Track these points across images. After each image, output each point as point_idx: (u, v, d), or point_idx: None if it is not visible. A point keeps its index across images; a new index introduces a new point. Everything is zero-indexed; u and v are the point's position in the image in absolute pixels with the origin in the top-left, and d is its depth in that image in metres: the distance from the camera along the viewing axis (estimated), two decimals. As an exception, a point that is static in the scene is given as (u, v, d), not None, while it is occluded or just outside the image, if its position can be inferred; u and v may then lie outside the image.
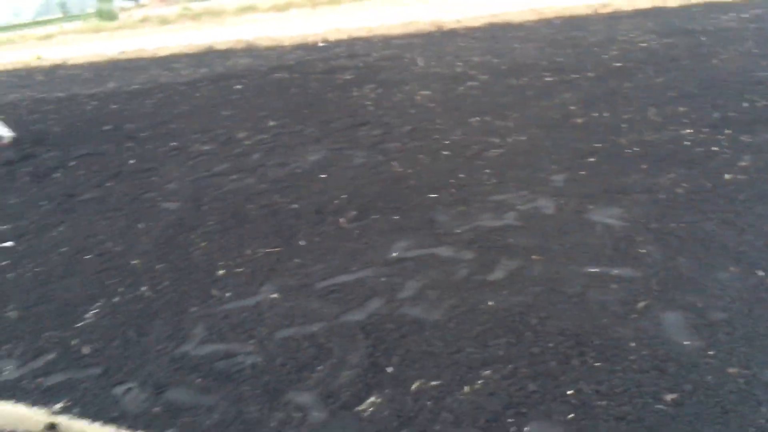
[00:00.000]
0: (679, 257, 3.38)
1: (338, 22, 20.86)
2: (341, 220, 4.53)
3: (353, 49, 14.60)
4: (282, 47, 17.47)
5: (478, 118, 6.72)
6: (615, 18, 12.55)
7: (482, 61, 10.04)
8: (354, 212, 4.62)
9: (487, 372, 2.68)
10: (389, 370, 2.79)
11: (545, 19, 14.12)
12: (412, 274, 3.60)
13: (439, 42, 13.29)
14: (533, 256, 3.59)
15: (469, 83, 8.58)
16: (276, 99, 9.56)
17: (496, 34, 13.13)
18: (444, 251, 3.84)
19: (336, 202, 4.90)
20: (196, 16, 35.65)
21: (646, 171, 4.64)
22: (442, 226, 4.20)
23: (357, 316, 3.26)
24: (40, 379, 3.15)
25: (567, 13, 14.19)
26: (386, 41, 15.08)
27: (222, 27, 30.66)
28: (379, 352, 2.93)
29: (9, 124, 8.93)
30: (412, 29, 16.15)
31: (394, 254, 3.88)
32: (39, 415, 2.84)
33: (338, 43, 16.46)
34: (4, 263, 4.67)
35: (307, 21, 25.69)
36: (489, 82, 8.46)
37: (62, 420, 2.78)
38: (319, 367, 2.89)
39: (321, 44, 16.86)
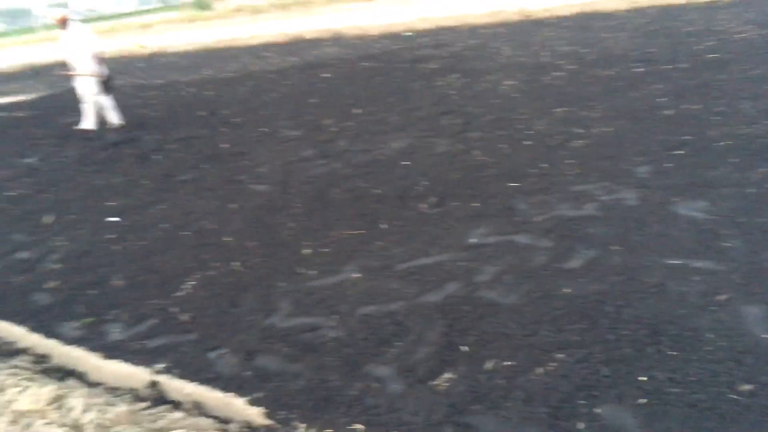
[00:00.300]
0: (765, 252, 3.32)
1: (425, 11, 20.87)
2: (422, 205, 4.67)
3: (439, 38, 14.64)
4: (369, 36, 17.70)
5: (562, 109, 6.68)
6: (712, 8, 12.03)
7: (569, 51, 9.90)
8: (435, 198, 4.75)
9: (561, 355, 2.75)
10: (464, 348, 2.91)
11: (639, 8, 13.69)
12: (489, 260, 3.69)
13: (526, 31, 13.15)
14: (612, 246, 3.61)
15: (555, 73, 8.50)
16: (362, 87, 9.77)
17: (585, 23, 12.86)
18: (522, 239, 3.91)
19: (418, 188, 5.03)
20: (285, 6, 36.44)
21: (736, 165, 4.52)
22: (521, 214, 4.26)
23: (434, 297, 3.38)
24: (143, 342, 3.45)
25: (662, 2, 13.70)
26: (472, 30, 15.03)
27: (311, 17, 31.24)
28: (454, 331, 3.05)
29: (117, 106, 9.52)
30: (499, 18, 16.01)
31: (473, 240, 3.98)
32: (142, 374, 3.12)
33: (424, 33, 16.52)
34: (111, 236, 5.07)
35: (394, 10, 25.79)
36: (575, 73, 8.35)
37: (163, 379, 3.05)
38: (397, 343, 3.04)
39: (407, 34, 16.97)
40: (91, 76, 8.72)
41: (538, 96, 7.42)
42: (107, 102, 9.07)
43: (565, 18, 14.24)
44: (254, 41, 21.17)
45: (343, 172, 5.77)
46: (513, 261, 3.63)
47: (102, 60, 8.86)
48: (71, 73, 8.91)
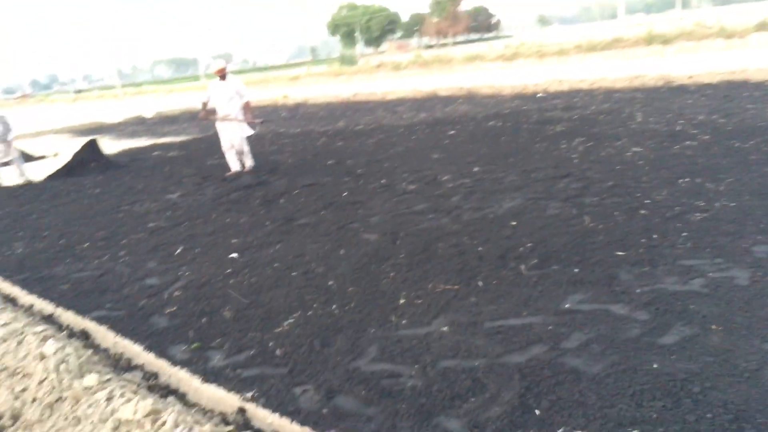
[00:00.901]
0: None
1: (562, 73, 20.81)
2: (522, 266, 4.67)
3: (571, 100, 14.54)
4: (501, 96, 17.89)
5: (687, 179, 6.44)
6: None
7: (706, 120, 9.51)
8: (535, 260, 4.73)
9: (635, 431, 2.66)
10: (537, 412, 2.89)
11: (791, 78, 12.91)
12: (580, 327, 3.63)
13: (664, 97, 12.77)
14: (712, 326, 3.44)
15: (687, 142, 8.20)
16: (485, 146, 9.90)
17: (729, 92, 12.29)
18: (618, 309, 3.81)
19: (520, 249, 5.04)
20: (426, 64, 37.59)
21: None
22: (623, 283, 4.16)
23: (517, 358, 3.38)
24: (239, 371, 3.71)
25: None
26: (608, 94, 14.80)
27: (449, 74, 32.00)
28: (531, 394, 3.03)
29: (254, 154, 10.28)
30: (637, 83, 15.66)
31: (567, 305, 3.94)
32: (232, 400, 3.35)
33: (557, 95, 16.47)
34: (228, 271, 5.48)
35: (531, 71, 25.91)
36: (709, 143, 8.01)
37: (250, 407, 3.26)
38: (472, 399, 3.07)
39: (540, 95, 16.98)
40: (238, 123, 9.52)
41: (664, 165, 7.19)
42: (246, 148, 9.83)
43: (709, 86, 13.69)
44: (390, 96, 22.02)
45: (451, 227, 5.88)
46: (604, 330, 3.56)
47: (248, 110, 9.68)
48: (218, 118, 9.74)
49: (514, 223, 5.76)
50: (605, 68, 21.45)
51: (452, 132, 11.85)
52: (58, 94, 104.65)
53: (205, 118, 10.07)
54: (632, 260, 4.53)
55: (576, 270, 4.48)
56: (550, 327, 3.68)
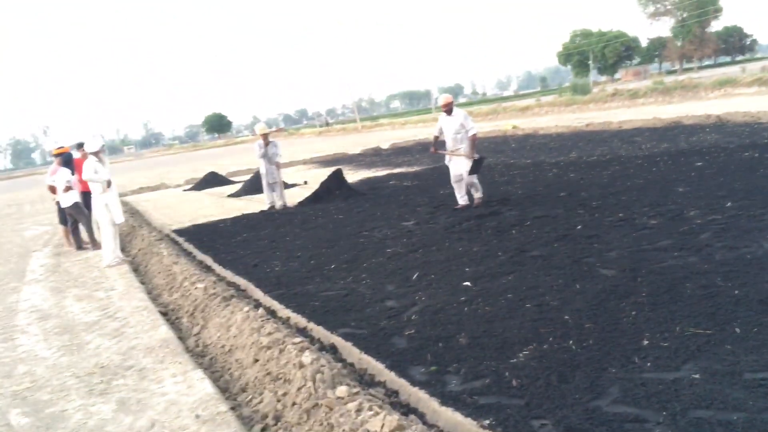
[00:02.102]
0: None
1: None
2: (789, 314, 4.16)
3: None
4: (758, 124, 16.19)
5: None
6: None
7: None
8: (807, 309, 4.19)
9: None
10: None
11: None
12: None
13: None
14: None
15: None
16: (739, 179, 9.02)
17: None
18: None
19: (787, 295, 4.50)
20: (667, 90, 35.28)
21: None
22: None
23: (786, 417, 3.02)
24: (475, 397, 3.78)
25: None
26: None
27: (694, 101, 29.70)
28: (805, 460, 2.69)
29: (483, 184, 10.42)
30: None
31: None
32: (471, 426, 3.42)
33: (830, 121, 14.46)
34: (462, 299, 5.61)
35: (794, 95, 23.09)
36: None
37: (487, 434, 3.31)
38: (730, 457, 2.80)
39: (807, 122, 15.03)
40: (466, 157, 9.70)
41: None
42: (475, 180, 9.95)
43: None
44: (626, 126, 21.02)
45: (701, 267, 5.44)
46: None
47: (473, 144, 9.76)
48: (447, 152, 10.02)
49: (778, 265, 5.16)
50: None
51: (699, 163, 10.96)
52: (306, 128, 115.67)
53: (435, 152, 10.45)
54: None
55: None
56: (826, 386, 3.24)
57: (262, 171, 13.33)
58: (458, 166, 9.83)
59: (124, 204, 15.86)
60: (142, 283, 8.68)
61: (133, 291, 8.16)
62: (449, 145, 9.90)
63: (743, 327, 4.11)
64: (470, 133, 9.69)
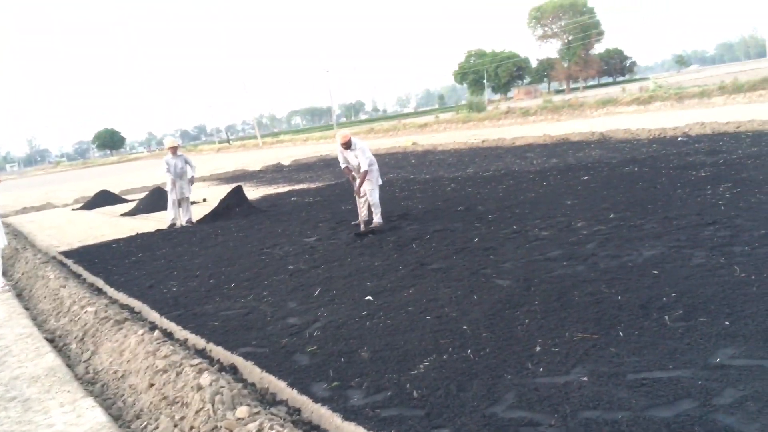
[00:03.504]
0: None
1: (704, 116, 19.83)
2: (666, 317, 4.47)
3: (716, 144, 13.83)
4: (637, 140, 17.32)
5: None
6: None
7: None
8: (680, 311, 4.52)
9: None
10: (688, 471, 2.74)
11: None
12: (733, 383, 3.42)
13: (821, 139, 11.82)
14: None
15: None
16: (621, 192, 9.61)
17: None
18: (777, 365, 3.55)
19: (664, 299, 4.83)
20: (556, 109, 37.12)
21: None
22: (781, 339, 3.87)
23: (665, 412, 3.23)
24: (377, 410, 3.80)
25: None
26: (756, 137, 13.96)
27: (580, 119, 31.39)
28: (681, 452, 2.89)
29: (383, 200, 10.49)
30: (791, 124, 14.63)
31: (717, 359, 3.72)
32: (373, 438, 3.44)
33: (700, 138, 15.74)
34: (364, 313, 5.65)
35: (669, 115, 24.92)
36: None
37: (389, 446, 3.34)
38: (615, 453, 2.96)
39: (680, 138, 16.27)
40: (367, 180, 9.52)
41: (825, 212, 6.65)
42: (376, 200, 9.75)
43: None
44: (519, 142, 21.91)
45: (587, 275, 5.75)
46: (761, 387, 3.32)
47: (365, 176, 9.43)
48: (352, 175, 9.78)
49: (656, 272, 5.53)
50: (753, 110, 20.20)
51: (585, 177, 11.60)
52: (205, 144, 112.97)
53: (351, 176, 10.04)
54: (791, 314, 4.22)
55: (727, 323, 4.23)
56: (700, 382, 3.49)
57: (169, 186, 12.89)
58: (363, 189, 9.72)
59: (6, 225, 14.87)
60: (27, 308, 8.17)
61: (16, 317, 7.66)
62: (355, 172, 9.72)
63: (626, 330, 4.37)
64: (362, 169, 9.47)
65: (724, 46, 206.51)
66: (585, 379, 3.75)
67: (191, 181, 13.13)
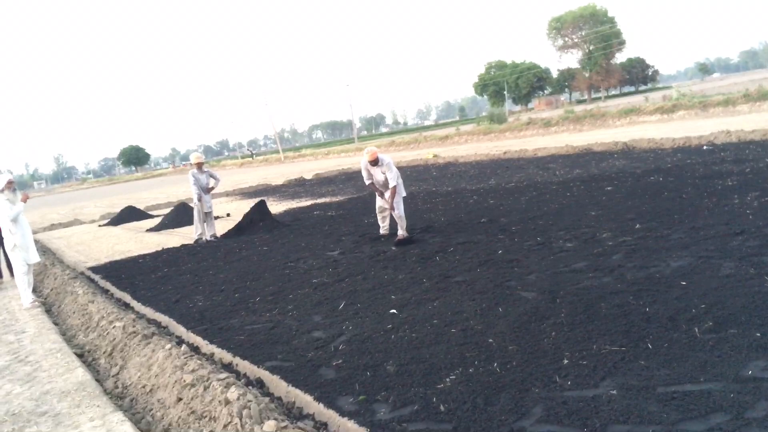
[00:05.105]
0: None
1: (730, 124, 19.60)
2: (695, 329, 4.41)
3: (742, 153, 13.64)
4: (661, 150, 17.16)
5: None
6: None
7: None
8: (710, 323, 4.45)
9: None
10: (723, 487, 2.70)
11: None
12: (766, 395, 3.36)
13: None
14: None
15: None
16: (646, 202, 9.52)
17: None
18: (812, 378, 3.48)
19: (693, 310, 4.76)
20: (577, 119, 36.92)
21: None
22: (815, 351, 3.80)
23: (697, 426, 3.19)
24: (404, 424, 3.80)
25: None
26: (783, 145, 13.72)
27: (603, 129, 31.18)
28: (714, 466, 2.84)
29: (406, 212, 10.49)
30: (819, 131, 14.40)
31: (749, 372, 3.66)
32: (400, 452, 3.44)
33: (725, 146, 15.54)
34: (389, 326, 5.65)
35: (694, 123, 24.66)
36: None
37: (417, 460, 3.33)
38: (647, 468, 2.92)
39: (705, 147, 16.08)
40: (390, 194, 9.55)
41: None
42: (402, 213, 9.77)
43: None
44: (541, 153, 21.82)
45: (614, 287, 5.69)
46: (796, 401, 3.26)
47: (394, 193, 9.49)
48: (379, 190, 9.86)
49: (684, 283, 5.46)
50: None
51: (609, 188, 11.51)
52: (227, 159, 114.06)
53: (376, 189, 9.94)
54: (825, 325, 4.14)
55: (758, 334, 4.16)
56: (732, 395, 3.44)
57: (195, 201, 13.03)
58: (382, 203, 9.79)
59: (35, 242, 15.13)
60: (56, 324, 8.29)
61: (45, 333, 7.78)
62: (381, 187, 9.78)
63: (655, 343, 4.32)
64: (390, 185, 9.48)
65: (748, 54, 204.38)
66: (614, 392, 3.71)
67: (209, 190, 13.21)
